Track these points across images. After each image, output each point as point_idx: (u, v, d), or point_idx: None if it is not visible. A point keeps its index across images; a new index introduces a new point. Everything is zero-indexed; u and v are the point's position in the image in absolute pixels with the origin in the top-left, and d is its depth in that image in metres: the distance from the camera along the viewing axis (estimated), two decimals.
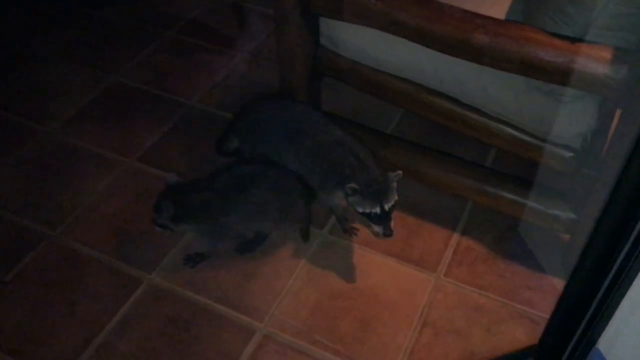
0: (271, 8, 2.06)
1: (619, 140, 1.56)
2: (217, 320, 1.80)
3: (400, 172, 1.70)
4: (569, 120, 1.66)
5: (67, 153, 2.30)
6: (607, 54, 1.48)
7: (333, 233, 2.02)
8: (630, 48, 1.49)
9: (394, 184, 1.69)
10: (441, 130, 1.95)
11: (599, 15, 1.47)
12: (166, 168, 2.23)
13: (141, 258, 1.95)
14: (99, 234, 2.03)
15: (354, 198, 1.68)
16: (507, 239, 2.01)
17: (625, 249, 1.23)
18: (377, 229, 1.68)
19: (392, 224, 1.69)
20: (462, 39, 1.61)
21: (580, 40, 1.51)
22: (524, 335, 1.75)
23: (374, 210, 1.65)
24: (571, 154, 1.71)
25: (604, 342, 1.39)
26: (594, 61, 1.49)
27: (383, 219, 1.66)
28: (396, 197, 1.69)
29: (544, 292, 1.86)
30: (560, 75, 1.52)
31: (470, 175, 1.92)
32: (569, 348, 1.46)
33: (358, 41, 1.90)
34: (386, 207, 1.65)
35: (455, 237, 2.01)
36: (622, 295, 1.29)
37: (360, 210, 1.68)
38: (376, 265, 1.93)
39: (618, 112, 1.63)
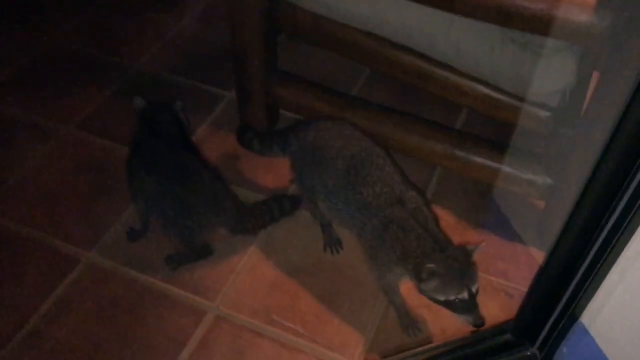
0: None
1: (601, 97, 1.43)
2: (164, 301, 1.63)
3: (483, 243, 1.39)
4: (546, 76, 1.52)
5: None
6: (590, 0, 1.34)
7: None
8: None
9: (474, 260, 1.37)
10: (409, 90, 1.80)
11: None
12: (109, 136, 2.03)
13: (79, 235, 1.76)
14: (32, 209, 1.82)
15: (431, 283, 1.33)
16: (478, 208, 1.88)
17: (616, 214, 1.09)
18: (465, 318, 1.35)
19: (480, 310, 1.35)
20: None
21: None
22: (498, 309, 1.63)
23: (459, 297, 1.32)
24: (548, 114, 1.58)
25: (588, 315, 1.27)
26: (577, 7, 1.34)
27: (471, 305, 1.33)
28: (478, 276, 1.36)
29: (519, 263, 1.74)
30: (539, 23, 1.38)
31: (440, 138, 1.77)
32: (549, 322, 1.34)
33: None
34: (473, 289, 1.33)
35: None
36: (610, 266, 1.16)
37: (442, 298, 1.34)
38: (341, 237, 1.78)
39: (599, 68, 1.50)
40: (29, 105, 2.14)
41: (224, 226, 1.68)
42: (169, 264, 1.70)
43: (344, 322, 1.60)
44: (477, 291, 1.35)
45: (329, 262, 1.73)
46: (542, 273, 1.30)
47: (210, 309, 1.62)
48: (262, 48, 1.87)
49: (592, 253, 1.18)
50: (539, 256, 1.74)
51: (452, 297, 1.33)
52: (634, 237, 1.09)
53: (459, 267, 1.34)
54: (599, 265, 1.18)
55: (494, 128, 1.78)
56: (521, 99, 1.59)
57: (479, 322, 1.35)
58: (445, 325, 1.59)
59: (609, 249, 1.14)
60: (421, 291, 1.38)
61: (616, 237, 1.12)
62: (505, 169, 1.71)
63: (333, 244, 1.76)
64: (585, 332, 1.27)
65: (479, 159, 1.73)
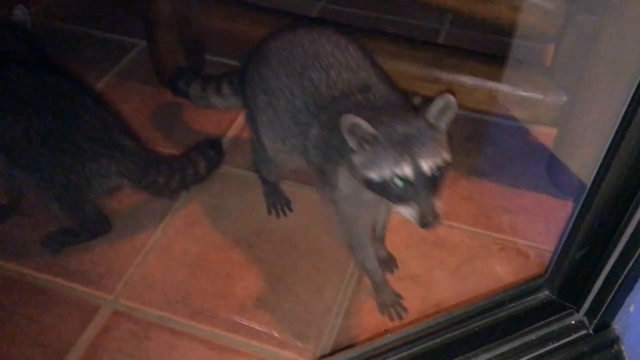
0: None
1: None
2: (40, 297, 1.15)
3: (449, 95, 0.89)
4: None
5: None
6: None
7: (225, 162, 1.39)
8: None
9: (442, 126, 0.91)
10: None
11: None
12: None
13: None
14: None
15: (362, 155, 0.89)
16: (468, 151, 1.44)
17: None
18: (408, 211, 0.88)
19: (438, 202, 0.88)
20: None
21: None
22: (511, 274, 1.18)
23: (398, 173, 0.86)
24: (556, 3, 1.16)
25: None
26: None
27: (419, 190, 0.87)
28: (447, 153, 0.90)
29: (530, 214, 1.30)
30: None
31: (415, 57, 1.34)
32: (600, 281, 0.89)
33: None
34: (425, 166, 0.87)
35: None
36: None
37: (375, 176, 0.88)
38: (294, 199, 1.31)
39: None
40: None
41: (124, 177, 1.18)
42: (47, 247, 1.21)
43: (298, 308, 1.13)
44: (436, 173, 0.87)
45: (276, 230, 1.27)
46: (581, 217, 0.86)
47: (106, 302, 1.13)
48: None
49: None
50: (553, 204, 1.31)
51: (386, 174, 0.86)
52: None
53: (405, 130, 0.86)
54: None
55: (484, 40, 1.34)
56: None
57: (426, 219, 0.86)
58: (441, 298, 1.13)
59: None
60: (353, 172, 0.90)
61: None
62: (504, 89, 1.28)
63: (280, 203, 1.29)
64: None
65: (467, 80, 1.30)
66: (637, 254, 0.84)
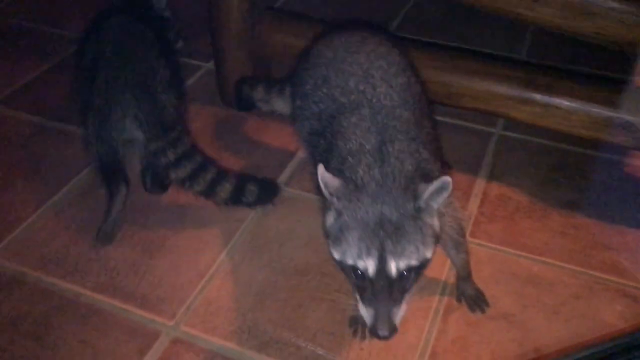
0: None
1: None
2: (94, 320, 1.06)
3: (447, 178, 0.78)
4: None
5: None
6: None
7: (292, 185, 1.30)
8: None
9: (433, 206, 0.80)
10: (458, 14, 1.25)
11: None
12: (37, 112, 1.50)
13: None
14: None
15: (329, 217, 0.81)
16: (559, 183, 1.32)
17: None
18: (362, 311, 0.79)
19: (399, 309, 0.78)
20: None
21: None
22: (615, 317, 1.04)
23: (359, 266, 0.77)
24: None
25: None
26: None
27: (378, 292, 0.77)
28: (428, 250, 0.79)
29: (633, 252, 1.16)
30: None
31: (508, 76, 1.23)
32: None
33: None
34: (393, 267, 0.76)
35: (480, 183, 1.31)
36: None
37: (336, 255, 0.80)
38: None
39: None
40: None
41: (139, 131, 1.15)
42: (99, 240, 1.18)
43: (377, 345, 1.00)
44: (410, 276, 0.77)
45: None
46: None
47: (166, 328, 1.03)
48: None
49: None
50: None
51: (347, 261, 0.77)
52: None
53: (383, 216, 0.76)
54: None
55: (573, 54, 1.24)
56: None
57: (375, 329, 0.76)
58: (541, 342, 0.99)
59: None
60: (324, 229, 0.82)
61: None
62: (606, 112, 1.16)
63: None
64: None
65: (564, 101, 1.18)
66: None
